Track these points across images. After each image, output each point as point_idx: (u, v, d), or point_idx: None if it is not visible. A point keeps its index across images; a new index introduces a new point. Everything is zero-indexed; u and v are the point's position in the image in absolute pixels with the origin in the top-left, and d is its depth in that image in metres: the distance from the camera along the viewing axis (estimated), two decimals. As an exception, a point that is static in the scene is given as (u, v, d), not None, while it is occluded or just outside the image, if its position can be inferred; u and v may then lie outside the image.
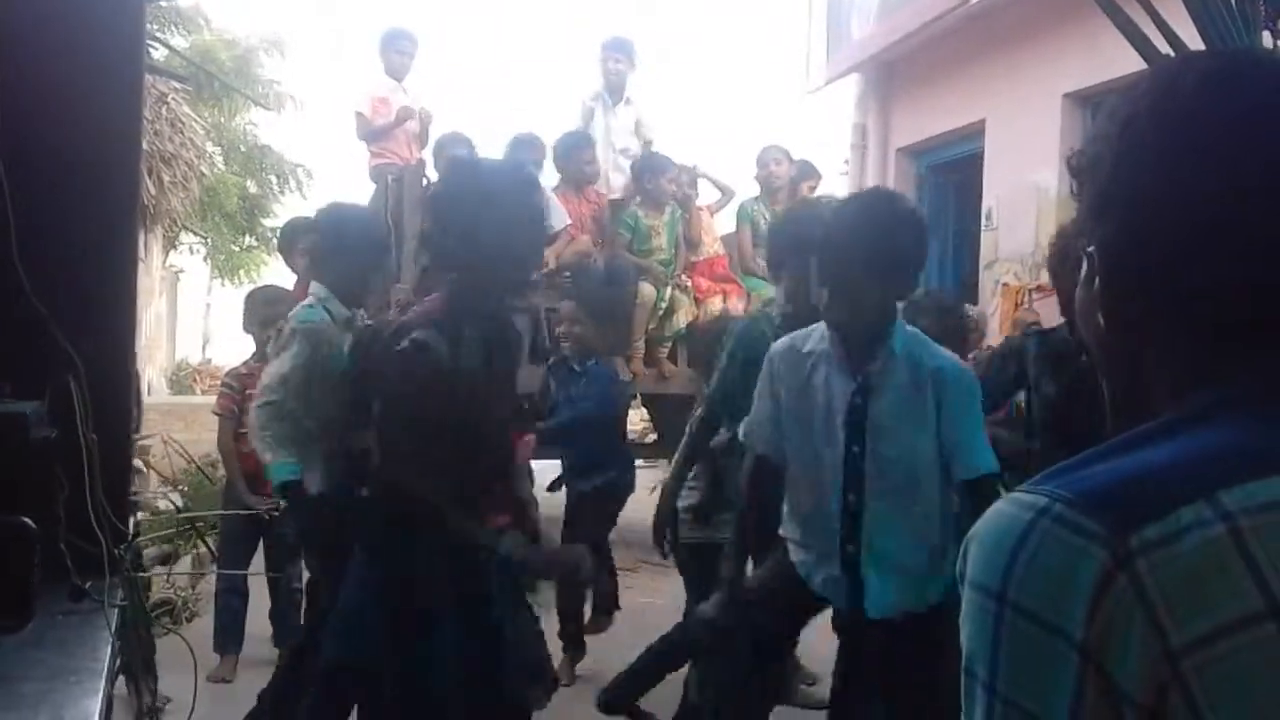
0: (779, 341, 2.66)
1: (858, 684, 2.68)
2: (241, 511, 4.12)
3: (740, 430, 2.72)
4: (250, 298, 4.53)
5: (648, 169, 5.83)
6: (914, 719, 2.50)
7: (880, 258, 2.37)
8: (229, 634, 4.19)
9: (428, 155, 6.17)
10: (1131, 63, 2.76)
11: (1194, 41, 2.60)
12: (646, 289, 5.69)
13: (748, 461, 2.70)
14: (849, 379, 2.47)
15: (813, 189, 6.22)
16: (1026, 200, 6.32)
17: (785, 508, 2.66)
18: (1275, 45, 2.79)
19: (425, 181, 5.92)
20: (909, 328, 2.54)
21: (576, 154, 5.85)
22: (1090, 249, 0.78)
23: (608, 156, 6.17)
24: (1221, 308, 0.72)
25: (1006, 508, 0.69)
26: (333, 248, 3.35)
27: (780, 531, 2.67)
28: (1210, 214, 0.71)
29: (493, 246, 2.44)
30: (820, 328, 2.55)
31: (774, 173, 6.02)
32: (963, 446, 2.45)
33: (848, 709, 2.82)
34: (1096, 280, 0.77)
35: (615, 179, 6.21)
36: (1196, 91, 0.74)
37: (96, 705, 1.43)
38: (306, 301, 3.34)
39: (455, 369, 2.41)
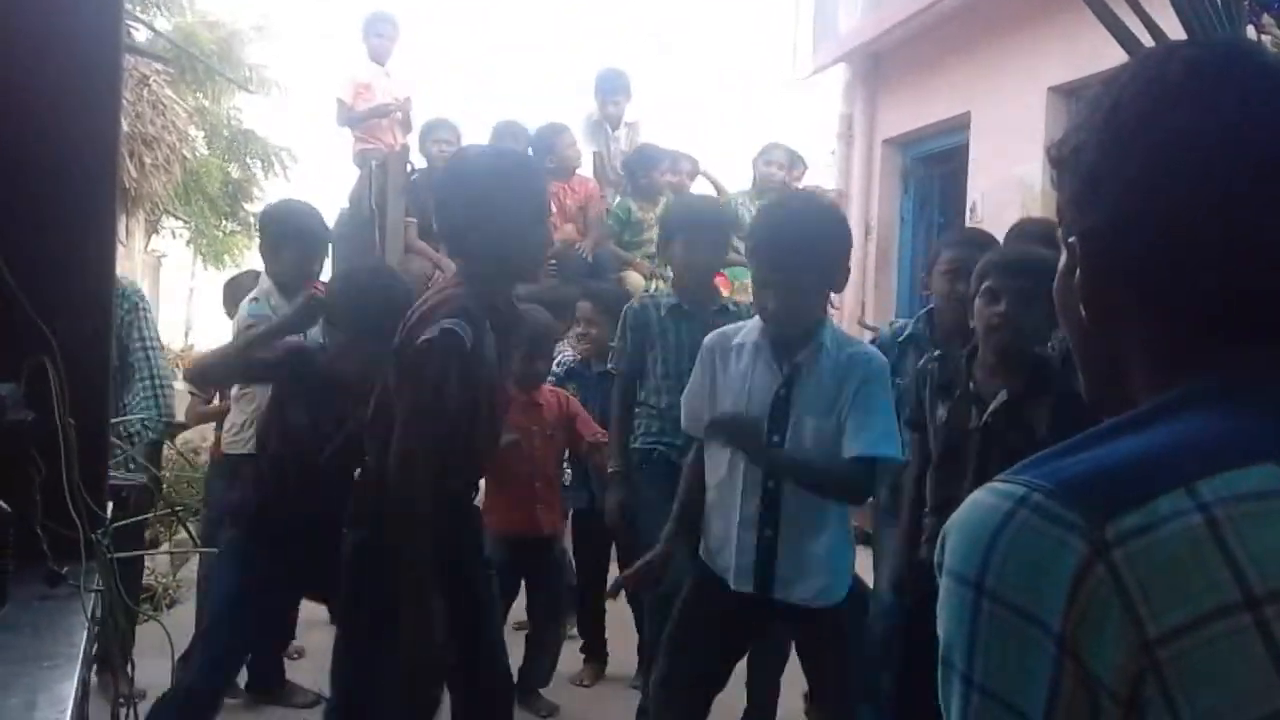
0: (712, 335, 2.76)
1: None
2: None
3: (682, 421, 2.81)
4: (231, 283, 4.55)
5: (639, 162, 5.83)
6: (839, 679, 2.64)
7: (818, 257, 2.51)
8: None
9: (412, 141, 6.15)
10: (1116, 57, 2.77)
11: (1178, 35, 2.61)
12: (635, 279, 5.69)
13: (693, 452, 2.81)
14: (775, 372, 2.58)
15: (799, 179, 6.22)
16: (1011, 193, 6.34)
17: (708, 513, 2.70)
18: (1259, 39, 2.80)
19: (409, 167, 5.91)
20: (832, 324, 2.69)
21: (557, 140, 5.86)
22: (1072, 239, 0.77)
23: (606, 177, 6.22)
24: (1203, 297, 0.72)
25: (985, 497, 0.69)
26: (273, 243, 3.63)
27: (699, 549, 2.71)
28: (1194, 204, 0.71)
29: (507, 233, 2.43)
30: (751, 322, 2.68)
31: (773, 174, 6.00)
32: (861, 425, 2.52)
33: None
34: (1078, 270, 0.77)
35: (612, 198, 6.23)
36: (1183, 80, 0.74)
37: (71, 690, 1.42)
38: (251, 295, 3.63)
39: (479, 360, 2.40)
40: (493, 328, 2.48)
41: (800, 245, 2.50)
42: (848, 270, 2.64)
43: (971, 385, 2.63)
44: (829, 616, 2.60)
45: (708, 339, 2.75)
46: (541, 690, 3.86)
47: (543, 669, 3.87)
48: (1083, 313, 0.78)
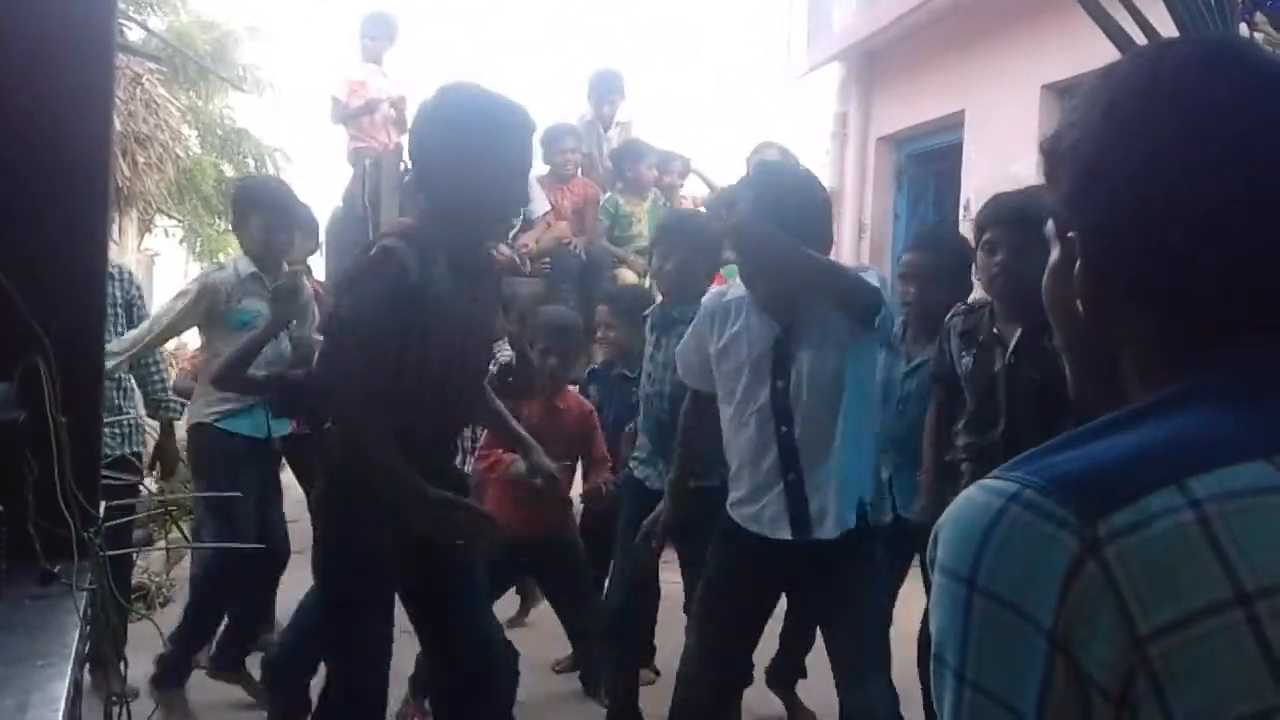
0: (709, 296, 2.88)
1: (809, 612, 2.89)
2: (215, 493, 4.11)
3: (679, 369, 2.93)
4: None
5: (627, 155, 5.83)
6: (857, 630, 2.67)
7: (803, 224, 2.54)
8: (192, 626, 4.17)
9: (405, 140, 6.14)
10: (1109, 55, 2.77)
11: (1170, 33, 2.62)
12: (628, 276, 5.69)
13: (688, 398, 2.96)
14: (770, 324, 2.67)
15: (793, 177, 6.22)
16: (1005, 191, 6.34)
17: (730, 470, 2.78)
18: (1251, 36, 2.81)
19: (403, 166, 5.90)
20: None
21: (556, 145, 5.87)
22: (1071, 234, 0.77)
23: (598, 176, 6.22)
24: (1203, 295, 0.72)
25: (977, 494, 0.69)
26: (240, 214, 3.84)
27: (727, 507, 2.76)
28: (1195, 200, 0.71)
29: (484, 182, 2.35)
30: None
31: None
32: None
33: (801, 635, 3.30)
34: (1079, 265, 0.76)
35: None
36: (1185, 75, 0.74)
37: (63, 690, 1.42)
38: (219, 263, 4.04)
39: (423, 288, 2.29)
40: (453, 267, 2.38)
41: (777, 213, 2.53)
42: (829, 234, 2.73)
43: (994, 331, 2.78)
44: (849, 542, 2.63)
45: (705, 300, 2.86)
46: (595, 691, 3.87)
47: (597, 666, 3.83)
48: (1080, 309, 0.77)
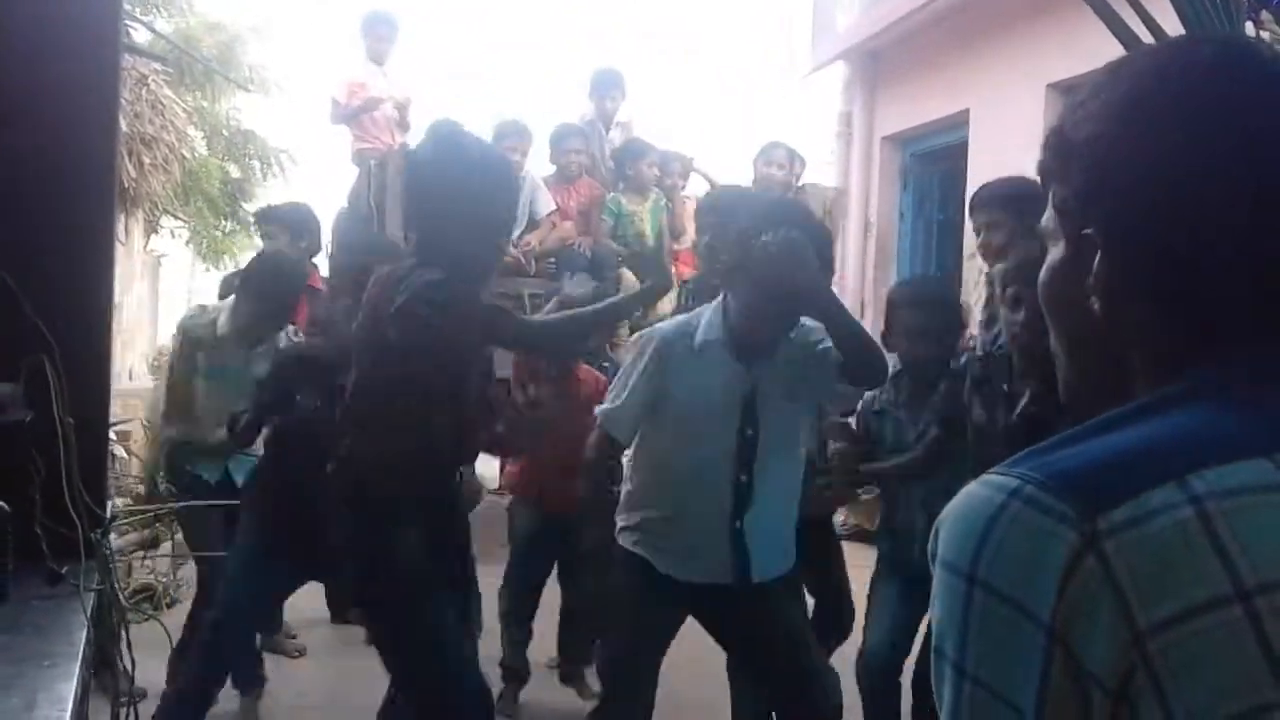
0: (665, 330, 2.77)
1: (750, 655, 2.87)
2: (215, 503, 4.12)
3: (599, 411, 2.82)
4: (226, 281, 4.56)
5: (628, 155, 5.83)
6: (800, 663, 2.72)
7: (821, 265, 2.56)
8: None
9: (409, 140, 6.15)
10: (1114, 53, 2.76)
11: (1176, 32, 2.61)
12: (630, 276, 5.68)
13: (596, 437, 2.84)
14: (742, 367, 2.63)
15: (799, 177, 6.20)
16: (1010, 190, 6.33)
17: (638, 511, 2.74)
18: (1257, 36, 2.80)
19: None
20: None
21: (561, 145, 5.87)
22: (1087, 231, 0.76)
23: (599, 176, 6.21)
24: (1211, 292, 0.72)
25: (978, 489, 0.69)
26: (235, 287, 3.84)
27: (629, 543, 2.74)
28: (1220, 199, 0.71)
29: (467, 235, 2.43)
30: (704, 315, 2.70)
31: (773, 174, 5.91)
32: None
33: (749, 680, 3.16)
34: (1096, 262, 0.75)
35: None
36: (1210, 73, 0.73)
37: (71, 689, 1.42)
38: (201, 305, 4.02)
39: (460, 321, 2.38)
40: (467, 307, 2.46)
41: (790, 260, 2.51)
42: (830, 269, 2.73)
43: (1006, 386, 2.72)
44: (783, 582, 2.73)
45: (661, 336, 2.74)
46: (586, 670, 3.87)
47: (582, 644, 3.87)
48: (1096, 306, 0.76)
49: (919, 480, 3.10)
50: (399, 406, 2.43)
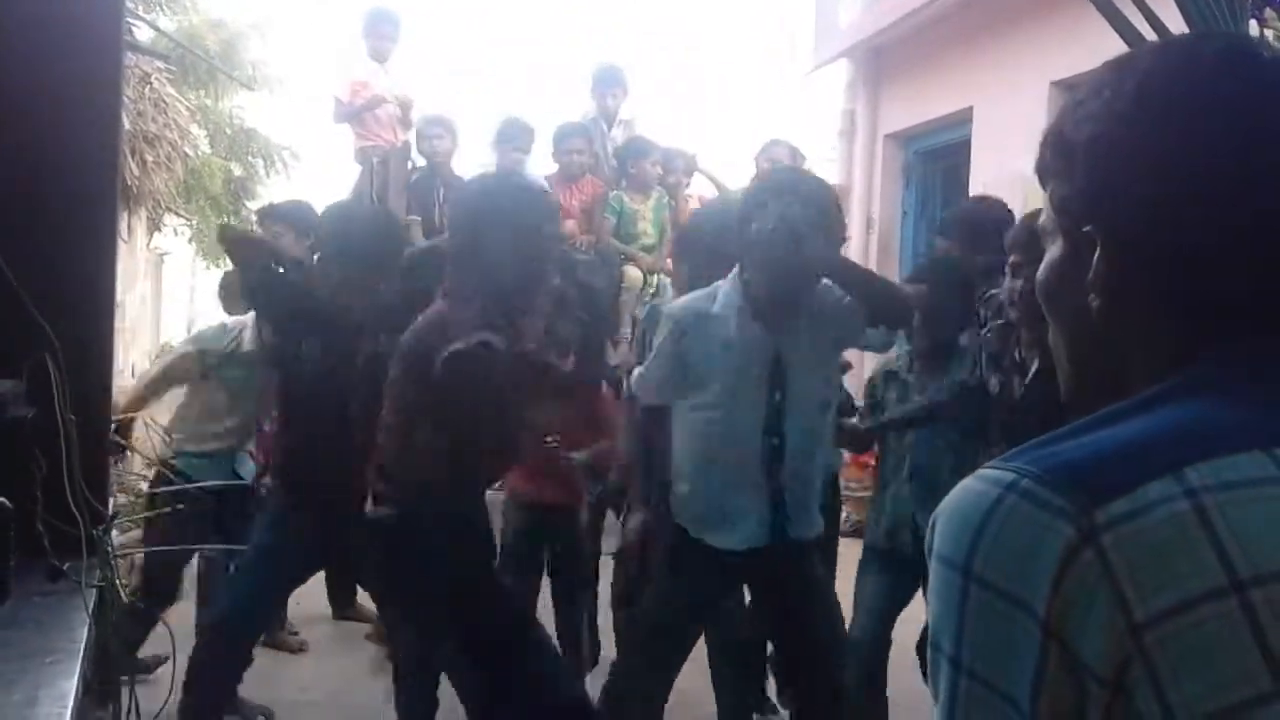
0: (678, 305, 2.87)
1: (783, 616, 2.91)
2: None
3: (631, 383, 2.91)
4: (228, 278, 4.55)
5: (630, 153, 5.83)
6: (827, 623, 2.83)
7: (820, 233, 2.63)
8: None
9: (411, 138, 6.15)
10: (1118, 50, 2.75)
11: (1179, 29, 2.61)
12: (633, 273, 5.69)
13: (634, 413, 2.93)
14: (765, 334, 2.71)
15: (801, 175, 6.21)
16: (1012, 188, 6.32)
17: (676, 484, 2.79)
18: (1261, 33, 2.80)
19: (409, 164, 5.91)
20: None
21: (563, 144, 5.87)
22: (1087, 229, 0.76)
23: (601, 175, 6.21)
24: (1216, 291, 0.72)
25: (974, 483, 0.69)
26: (258, 306, 3.63)
27: (676, 518, 2.79)
28: (1228, 196, 0.71)
29: (500, 272, 2.50)
30: (722, 287, 2.77)
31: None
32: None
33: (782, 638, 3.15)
34: (1096, 261, 0.75)
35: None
36: (1216, 71, 0.73)
37: (72, 686, 1.42)
38: (222, 322, 3.97)
39: (506, 372, 2.48)
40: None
41: (809, 225, 2.59)
42: (843, 238, 2.83)
43: (1018, 355, 2.79)
44: (815, 545, 2.85)
45: (674, 310, 2.85)
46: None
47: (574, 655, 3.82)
48: (1094, 304, 0.76)
49: (914, 463, 3.15)
50: (435, 444, 2.49)
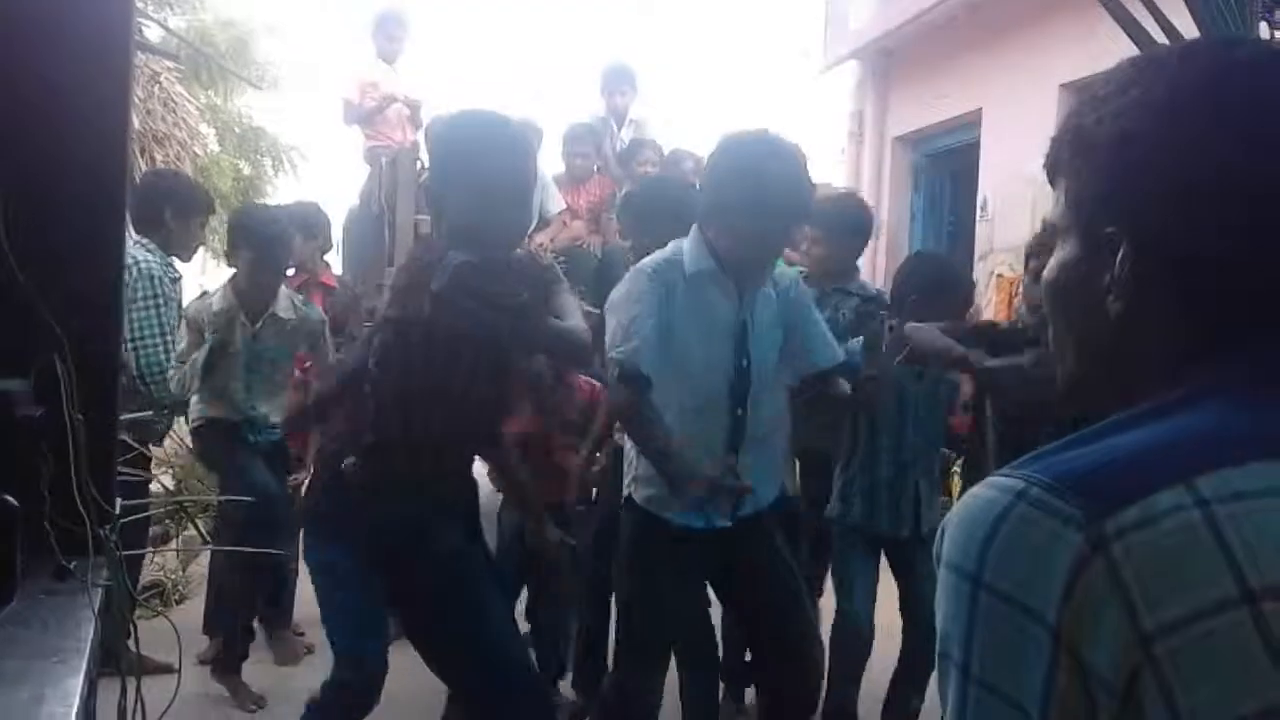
0: (651, 264, 2.69)
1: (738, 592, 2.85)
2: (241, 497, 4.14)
3: (616, 353, 2.62)
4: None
5: (634, 153, 5.84)
6: (789, 594, 2.74)
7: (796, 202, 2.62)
8: (220, 616, 4.17)
9: (420, 138, 6.16)
10: (1127, 53, 2.75)
11: (1190, 32, 2.60)
12: (638, 274, 5.69)
13: (619, 383, 2.63)
14: (734, 298, 2.66)
15: (809, 175, 6.20)
16: (1021, 191, 6.32)
17: (644, 462, 2.68)
18: (1273, 36, 2.79)
19: (418, 164, 5.92)
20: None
21: (572, 145, 5.88)
22: (1109, 230, 0.75)
23: (610, 175, 6.21)
24: (1247, 292, 0.71)
25: (984, 491, 0.69)
26: (231, 247, 3.93)
27: (641, 500, 2.70)
28: (1258, 196, 0.70)
29: (479, 206, 2.39)
30: (685, 248, 2.67)
31: None
32: (821, 338, 2.82)
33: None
34: (1119, 261, 0.74)
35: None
36: (1250, 75, 0.73)
37: (79, 685, 1.42)
38: (205, 290, 4.12)
39: (497, 310, 2.37)
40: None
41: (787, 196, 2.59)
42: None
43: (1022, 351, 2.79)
44: (773, 516, 2.78)
45: (649, 268, 2.67)
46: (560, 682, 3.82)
47: (550, 657, 3.81)
48: (1111, 306, 0.75)
49: (890, 453, 3.16)
50: (430, 387, 2.41)
